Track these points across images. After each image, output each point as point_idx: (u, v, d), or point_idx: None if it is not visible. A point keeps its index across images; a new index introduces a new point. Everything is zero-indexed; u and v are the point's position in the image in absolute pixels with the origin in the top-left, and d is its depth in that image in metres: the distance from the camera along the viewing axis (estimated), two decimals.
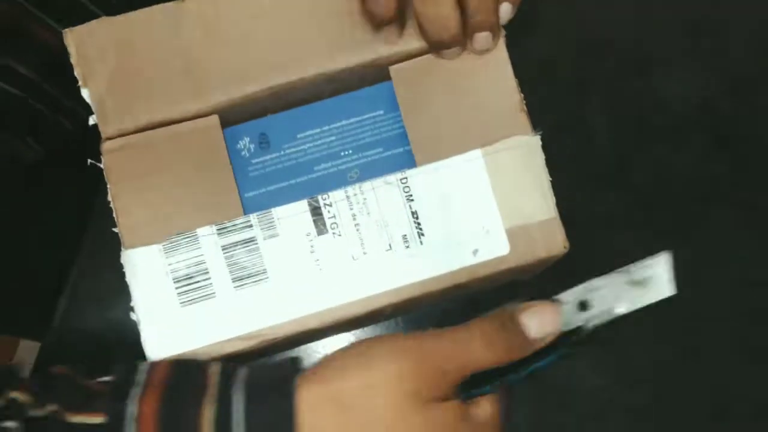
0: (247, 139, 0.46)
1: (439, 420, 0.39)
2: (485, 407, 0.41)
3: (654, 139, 0.59)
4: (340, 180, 0.46)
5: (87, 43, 0.45)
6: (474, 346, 0.39)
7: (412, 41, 0.46)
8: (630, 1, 0.62)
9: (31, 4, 0.55)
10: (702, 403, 0.56)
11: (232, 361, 0.42)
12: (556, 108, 0.58)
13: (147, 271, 0.44)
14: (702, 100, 0.60)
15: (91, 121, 0.45)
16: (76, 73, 0.45)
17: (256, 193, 0.46)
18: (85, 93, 0.45)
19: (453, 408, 0.39)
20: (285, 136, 0.46)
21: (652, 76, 0.60)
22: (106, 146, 0.45)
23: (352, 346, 0.41)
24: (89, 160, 0.45)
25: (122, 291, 0.44)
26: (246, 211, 0.45)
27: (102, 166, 0.45)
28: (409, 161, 0.46)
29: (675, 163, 0.59)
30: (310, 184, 0.46)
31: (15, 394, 0.38)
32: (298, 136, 0.47)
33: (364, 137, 0.47)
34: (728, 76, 0.60)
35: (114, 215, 0.44)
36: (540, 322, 0.39)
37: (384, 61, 0.46)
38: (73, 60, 0.45)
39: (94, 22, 0.46)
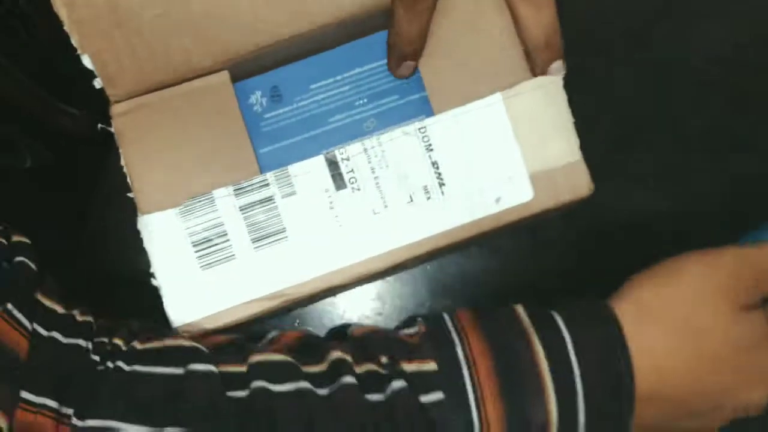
0: (258, 93, 0.45)
1: (755, 325, 0.40)
2: None
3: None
4: (356, 131, 0.45)
5: (78, 6, 0.42)
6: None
7: None
8: None
9: None
10: None
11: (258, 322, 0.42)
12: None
13: (165, 236, 0.43)
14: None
15: (97, 84, 0.43)
16: (72, 41, 0.43)
17: (270, 149, 0.45)
18: (85, 60, 0.43)
19: (762, 316, 0.40)
20: (297, 88, 0.45)
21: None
22: (115, 109, 0.43)
23: (656, 269, 0.41)
24: (99, 125, 0.44)
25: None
26: (262, 169, 0.44)
27: (113, 129, 0.44)
28: (426, 108, 0.45)
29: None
30: (325, 137, 0.45)
31: (338, 355, 0.39)
32: (311, 87, 0.45)
33: (378, 85, 0.45)
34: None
35: (128, 180, 0.43)
36: None
37: None
38: (66, 26, 0.42)
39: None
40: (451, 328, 0.39)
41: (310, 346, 0.41)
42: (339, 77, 0.45)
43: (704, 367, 0.39)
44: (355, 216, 0.44)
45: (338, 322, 0.56)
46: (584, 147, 0.44)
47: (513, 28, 0.44)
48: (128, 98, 0.44)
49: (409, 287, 0.56)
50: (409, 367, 0.38)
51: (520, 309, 0.40)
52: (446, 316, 0.41)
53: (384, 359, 0.39)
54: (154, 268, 0.43)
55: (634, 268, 0.41)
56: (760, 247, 0.41)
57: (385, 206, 0.44)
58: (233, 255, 0.43)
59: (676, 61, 0.56)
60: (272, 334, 0.44)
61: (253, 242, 0.43)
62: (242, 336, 0.43)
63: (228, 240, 0.43)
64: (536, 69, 0.44)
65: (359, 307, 0.56)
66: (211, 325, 0.43)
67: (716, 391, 0.39)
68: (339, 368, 0.38)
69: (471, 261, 0.55)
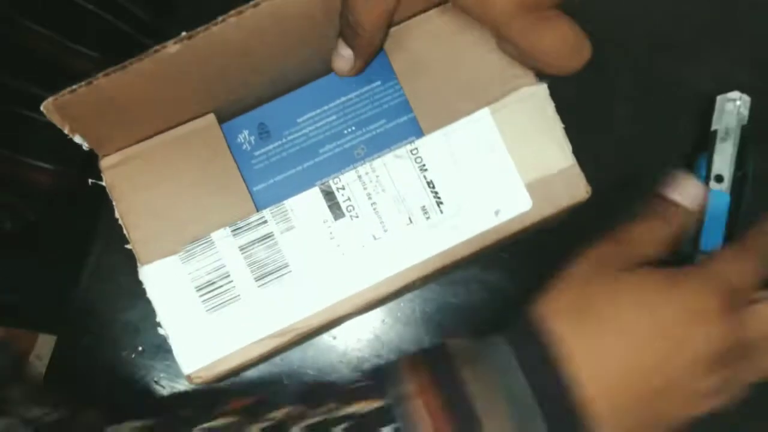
0: (246, 132, 0.45)
1: (635, 278, 0.41)
2: None
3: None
4: (347, 159, 0.45)
5: (69, 109, 0.41)
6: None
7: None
8: None
9: None
10: None
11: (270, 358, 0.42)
12: None
13: (167, 283, 0.43)
14: None
15: (85, 145, 0.43)
16: (65, 131, 0.42)
17: (264, 185, 0.45)
18: (77, 139, 0.43)
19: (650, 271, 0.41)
20: (284, 122, 0.45)
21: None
22: (104, 162, 0.44)
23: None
24: (90, 180, 0.44)
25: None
26: (257, 206, 0.44)
27: (104, 183, 0.44)
28: (415, 129, 0.45)
29: None
30: (317, 168, 0.45)
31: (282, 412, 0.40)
32: (298, 120, 0.45)
33: (365, 111, 0.45)
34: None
35: (125, 232, 0.43)
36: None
37: None
38: (63, 129, 0.42)
39: (71, 93, 0.40)
40: (394, 369, 0.40)
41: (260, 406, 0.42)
42: (325, 108, 0.45)
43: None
44: (357, 243, 0.44)
45: (337, 363, 0.56)
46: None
47: (492, 41, 0.44)
48: (116, 151, 0.44)
49: (410, 328, 0.57)
50: (354, 407, 0.39)
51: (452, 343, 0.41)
52: (387, 363, 0.42)
53: (332, 405, 0.40)
54: (160, 317, 0.43)
55: None
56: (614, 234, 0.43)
57: (385, 230, 0.44)
58: (238, 295, 0.43)
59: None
60: None
61: (256, 280, 0.43)
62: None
63: (231, 281, 0.43)
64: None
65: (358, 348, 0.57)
66: (223, 367, 0.43)
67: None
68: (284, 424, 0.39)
69: (470, 299, 0.56)
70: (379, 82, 0.45)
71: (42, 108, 0.41)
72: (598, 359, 0.38)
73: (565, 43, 0.41)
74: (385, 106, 0.45)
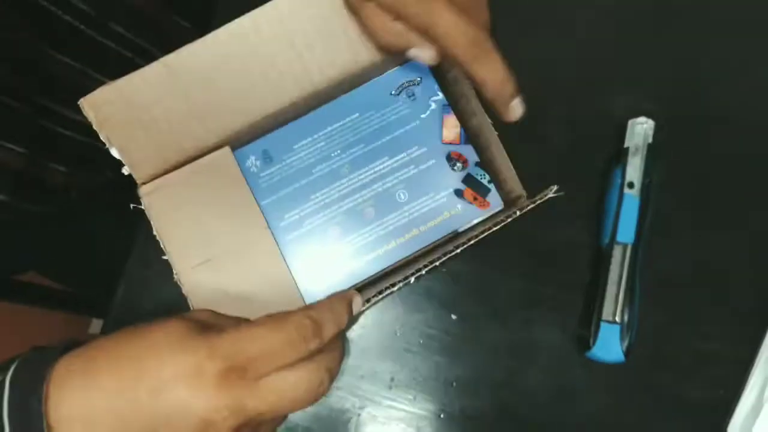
0: (253, 158, 0.56)
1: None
2: None
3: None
4: (335, 176, 0.56)
5: (102, 108, 0.52)
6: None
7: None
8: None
9: None
10: None
11: None
12: None
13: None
14: None
15: (125, 171, 0.53)
16: (101, 137, 0.52)
17: (270, 200, 0.55)
18: (113, 151, 0.53)
19: None
20: (283, 149, 0.56)
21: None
22: (142, 190, 0.53)
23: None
24: (131, 205, 0.53)
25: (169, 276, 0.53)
26: (266, 217, 0.54)
27: (143, 207, 0.53)
28: (389, 151, 0.56)
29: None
30: (311, 185, 0.56)
31: None
32: (294, 147, 0.56)
33: (347, 138, 0.56)
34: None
35: (162, 245, 0.53)
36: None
37: (355, 72, 0.55)
38: (95, 126, 0.52)
39: (101, 88, 0.52)
40: None
41: None
42: (315, 136, 0.56)
43: None
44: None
45: None
46: None
47: None
48: (150, 179, 0.54)
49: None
50: None
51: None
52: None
53: None
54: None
55: None
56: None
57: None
58: None
59: None
60: None
61: None
62: None
63: None
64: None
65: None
66: None
67: None
68: None
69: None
70: (357, 114, 0.56)
71: (79, 103, 0.52)
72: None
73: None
74: (363, 133, 0.56)
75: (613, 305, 0.65)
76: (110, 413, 0.41)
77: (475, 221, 0.56)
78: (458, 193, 0.57)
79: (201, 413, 0.40)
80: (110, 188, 0.70)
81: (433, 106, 0.57)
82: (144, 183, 0.53)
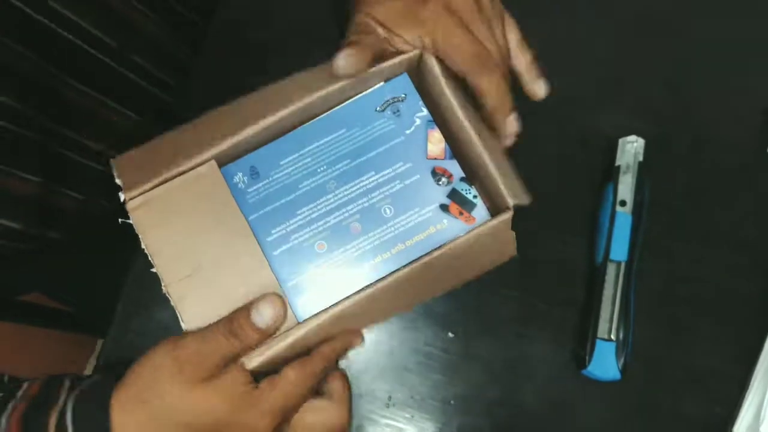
0: (240, 174, 0.57)
1: (219, 388, 0.51)
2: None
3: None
4: (321, 191, 0.57)
5: (125, 166, 0.56)
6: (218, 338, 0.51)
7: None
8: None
9: None
10: None
11: None
12: None
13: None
14: None
15: (121, 197, 0.55)
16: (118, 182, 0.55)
17: (257, 215, 0.56)
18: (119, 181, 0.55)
19: (232, 377, 0.51)
20: (270, 165, 0.57)
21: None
22: (130, 205, 0.55)
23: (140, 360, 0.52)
24: (120, 220, 0.55)
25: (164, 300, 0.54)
26: (254, 231, 0.56)
27: (131, 221, 0.55)
28: (374, 166, 0.57)
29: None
30: (298, 200, 0.57)
31: None
32: (281, 163, 0.57)
33: (332, 153, 0.57)
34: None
35: (150, 259, 0.54)
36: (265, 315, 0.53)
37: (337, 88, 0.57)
38: (118, 181, 0.55)
39: (133, 150, 0.57)
40: (17, 396, 0.52)
41: None
42: (302, 152, 0.57)
43: None
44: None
45: None
46: None
47: None
48: (139, 195, 0.55)
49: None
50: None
51: (66, 382, 0.54)
52: (27, 383, 0.54)
53: None
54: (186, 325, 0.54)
55: None
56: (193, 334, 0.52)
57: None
58: None
59: None
60: None
61: None
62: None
63: None
64: (499, 128, 0.57)
65: None
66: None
67: None
68: None
69: None
70: (344, 130, 0.58)
71: (111, 162, 0.55)
72: None
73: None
74: (348, 149, 0.57)
75: (609, 323, 0.66)
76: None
77: (462, 236, 0.57)
78: (444, 208, 0.57)
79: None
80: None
81: (418, 122, 0.58)
82: (132, 198, 0.55)
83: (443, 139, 0.58)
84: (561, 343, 0.69)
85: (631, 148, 0.68)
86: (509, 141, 0.58)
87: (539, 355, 0.68)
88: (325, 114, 0.58)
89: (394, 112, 0.58)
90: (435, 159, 0.58)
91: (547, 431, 0.68)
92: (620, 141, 0.69)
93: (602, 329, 0.66)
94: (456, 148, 0.58)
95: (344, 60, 0.54)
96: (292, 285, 0.56)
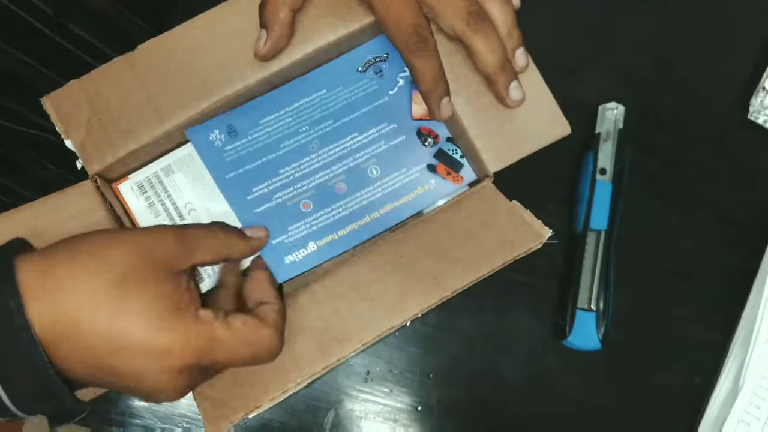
0: (216, 131, 0.55)
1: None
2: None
3: None
4: (303, 152, 0.55)
5: (63, 104, 0.52)
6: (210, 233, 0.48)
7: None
8: None
9: None
10: None
11: None
12: None
13: None
14: None
15: (78, 165, 0.52)
16: (57, 129, 0.52)
17: (236, 173, 0.54)
18: (68, 143, 0.52)
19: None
20: (249, 124, 0.55)
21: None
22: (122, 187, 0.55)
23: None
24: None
25: None
26: (230, 188, 0.54)
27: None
28: (358, 127, 0.56)
29: None
30: (279, 159, 0.55)
31: None
32: (261, 122, 0.55)
33: (315, 114, 0.56)
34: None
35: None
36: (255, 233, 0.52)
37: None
38: (53, 119, 0.52)
39: (66, 86, 0.52)
40: None
41: None
42: (282, 112, 0.55)
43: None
44: None
45: None
46: None
47: None
48: (102, 171, 0.53)
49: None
50: None
51: None
52: None
53: None
54: None
55: None
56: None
57: None
58: None
59: None
60: None
61: None
62: None
63: None
64: (500, 94, 0.53)
65: None
66: None
67: None
68: None
69: None
70: (324, 90, 0.56)
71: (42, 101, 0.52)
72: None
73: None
74: (331, 110, 0.56)
75: (588, 292, 0.65)
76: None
77: (451, 195, 0.56)
78: (431, 168, 0.56)
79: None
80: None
81: (401, 82, 0.56)
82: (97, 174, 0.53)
83: None
84: (541, 315, 0.67)
85: (611, 115, 0.67)
86: (508, 101, 0.54)
87: (519, 327, 0.67)
88: (306, 75, 0.56)
89: (377, 73, 0.57)
90: (420, 119, 0.56)
91: (528, 402, 0.67)
92: (600, 108, 0.68)
93: (582, 299, 0.65)
94: None
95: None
96: (277, 243, 0.54)
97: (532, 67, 0.55)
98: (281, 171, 0.55)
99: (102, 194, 0.53)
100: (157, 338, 0.42)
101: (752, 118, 0.70)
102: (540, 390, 0.67)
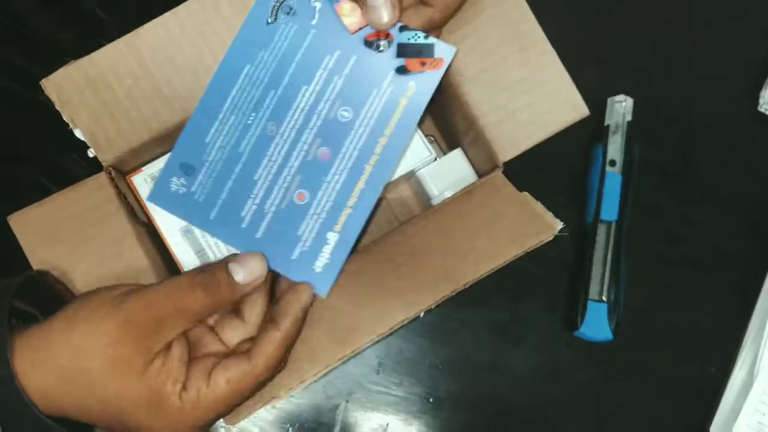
0: (174, 179, 0.50)
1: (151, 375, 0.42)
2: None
3: None
4: (265, 141, 0.50)
5: (65, 88, 0.51)
6: (186, 294, 0.43)
7: None
8: None
9: None
10: None
11: None
12: None
13: None
14: None
15: (90, 154, 0.52)
16: (64, 118, 0.51)
17: (216, 210, 0.50)
18: (77, 132, 0.52)
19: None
20: (197, 149, 0.50)
21: None
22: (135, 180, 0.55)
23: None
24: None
25: None
26: (219, 228, 0.50)
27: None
28: (300, 80, 0.50)
29: None
30: (247, 166, 0.50)
31: None
32: (206, 140, 0.50)
33: (252, 95, 0.50)
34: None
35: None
36: (247, 270, 0.45)
37: None
38: (57, 106, 0.51)
39: (64, 68, 0.51)
40: None
41: None
42: (221, 116, 0.50)
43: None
44: None
45: None
46: None
47: None
48: (114, 161, 0.53)
49: None
50: None
51: None
52: None
53: None
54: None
55: None
56: (150, 288, 0.43)
57: None
58: None
59: None
60: None
61: None
62: None
63: None
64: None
65: None
66: None
67: None
68: None
69: None
70: (248, 66, 0.50)
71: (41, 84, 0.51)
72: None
73: None
74: (265, 80, 0.50)
75: (600, 284, 0.65)
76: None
77: (438, 81, 0.50)
78: (401, 70, 0.50)
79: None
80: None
81: (319, 5, 0.50)
82: (111, 166, 0.53)
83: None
84: (552, 306, 0.68)
85: (620, 107, 0.67)
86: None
87: (530, 318, 0.68)
88: (220, 62, 0.51)
89: (288, 13, 0.50)
90: (360, 30, 0.50)
91: (539, 393, 0.67)
92: (609, 100, 0.67)
93: (593, 290, 0.65)
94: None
95: None
96: (297, 255, 0.49)
97: (549, 48, 0.55)
98: (256, 176, 0.50)
99: (116, 186, 0.52)
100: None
101: (762, 110, 0.69)
102: (550, 381, 0.67)
